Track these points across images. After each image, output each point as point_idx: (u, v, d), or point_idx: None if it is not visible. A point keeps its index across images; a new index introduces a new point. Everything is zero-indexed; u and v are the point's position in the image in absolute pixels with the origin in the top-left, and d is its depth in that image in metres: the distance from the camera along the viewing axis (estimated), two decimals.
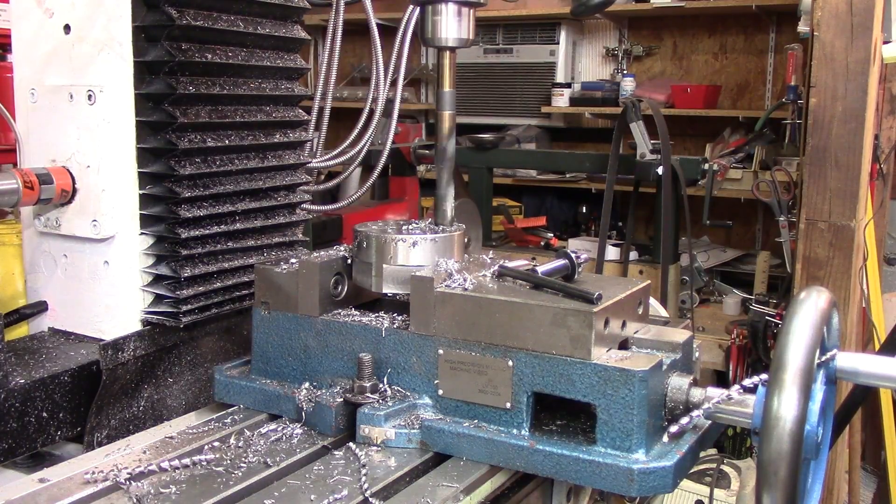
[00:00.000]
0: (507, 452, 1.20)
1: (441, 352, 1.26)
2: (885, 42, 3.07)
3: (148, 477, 1.17)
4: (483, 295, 1.25)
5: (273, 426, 1.31)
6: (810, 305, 1.06)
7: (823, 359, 1.15)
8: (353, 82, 6.85)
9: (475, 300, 1.24)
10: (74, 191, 1.51)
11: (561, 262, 1.34)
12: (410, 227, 1.42)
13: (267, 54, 1.65)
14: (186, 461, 1.19)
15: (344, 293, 1.41)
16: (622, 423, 1.15)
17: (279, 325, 1.40)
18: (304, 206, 1.78)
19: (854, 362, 1.18)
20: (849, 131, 3.03)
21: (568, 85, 6.25)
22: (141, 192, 1.50)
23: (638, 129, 4.07)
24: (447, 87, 1.43)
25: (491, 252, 1.45)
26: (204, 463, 1.20)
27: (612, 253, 4.34)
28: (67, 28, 1.51)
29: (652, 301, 1.46)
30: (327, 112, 2.00)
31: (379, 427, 1.25)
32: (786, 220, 4.04)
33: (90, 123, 1.47)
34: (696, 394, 1.22)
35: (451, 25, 1.39)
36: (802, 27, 3.74)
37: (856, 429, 3.61)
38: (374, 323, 1.33)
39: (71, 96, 1.48)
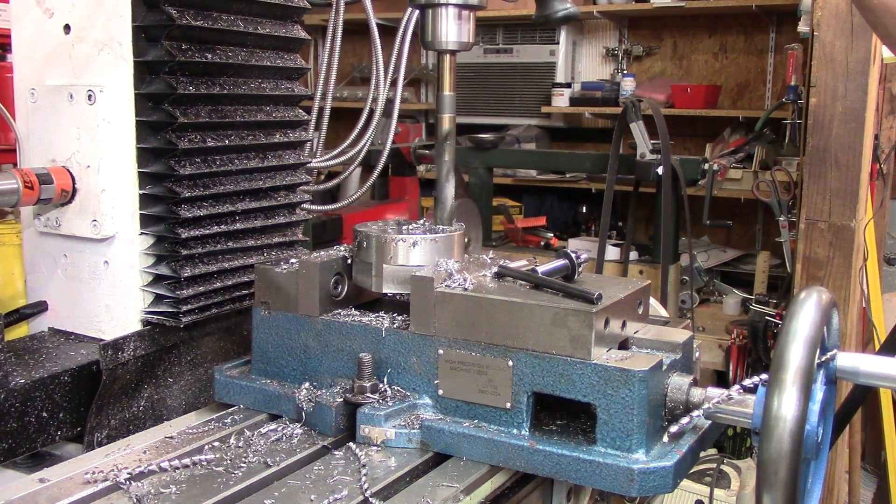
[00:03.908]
0: (507, 452, 1.20)
1: (441, 352, 1.27)
2: None
3: (148, 477, 1.17)
4: (483, 295, 1.25)
5: (273, 426, 1.31)
6: (810, 305, 1.06)
7: (823, 359, 1.15)
8: (353, 82, 6.85)
9: (475, 300, 1.24)
10: (74, 191, 1.51)
11: (561, 262, 1.34)
12: (410, 227, 1.42)
13: (267, 54, 1.65)
14: (186, 461, 1.19)
15: (344, 293, 1.41)
16: (622, 423, 1.15)
17: (279, 325, 1.39)
18: (304, 206, 1.78)
19: (854, 362, 1.18)
20: (849, 131, 3.03)
21: (568, 85, 6.24)
22: (141, 192, 1.50)
23: (638, 129, 4.07)
24: (447, 90, 1.43)
25: (491, 252, 1.45)
26: (204, 463, 1.20)
27: (612, 253, 4.34)
28: (67, 28, 1.51)
29: (652, 301, 1.46)
30: (327, 112, 2.00)
31: (379, 427, 1.25)
32: (786, 220, 4.04)
33: (90, 123, 1.47)
34: (696, 394, 1.22)
35: (451, 28, 1.39)
36: (802, 27, 3.74)
37: (856, 429, 3.61)
38: (374, 323, 1.33)
39: (71, 96, 1.48)
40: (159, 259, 1.52)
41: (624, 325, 1.28)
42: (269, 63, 1.64)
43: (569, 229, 6.08)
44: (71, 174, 1.51)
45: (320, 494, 1.11)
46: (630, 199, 4.47)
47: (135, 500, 1.10)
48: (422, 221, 1.45)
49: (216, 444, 1.27)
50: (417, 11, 1.68)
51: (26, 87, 1.55)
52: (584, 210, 6.14)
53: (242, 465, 1.19)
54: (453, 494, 1.13)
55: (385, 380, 1.30)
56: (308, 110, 1.89)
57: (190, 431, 1.33)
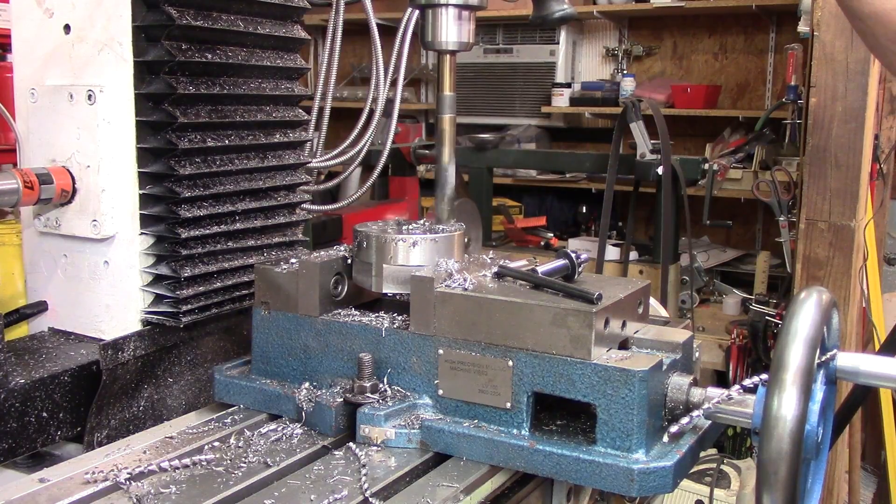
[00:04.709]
0: (507, 452, 1.20)
1: (441, 352, 1.27)
2: None
3: (148, 477, 1.17)
4: (483, 295, 1.25)
5: (273, 426, 1.31)
6: (810, 305, 1.06)
7: (823, 359, 1.15)
8: (353, 82, 6.85)
9: (475, 300, 1.24)
10: (74, 191, 1.51)
11: (561, 262, 1.34)
12: (410, 227, 1.42)
13: (267, 54, 1.65)
14: (186, 461, 1.19)
15: (344, 293, 1.41)
16: (622, 423, 1.15)
17: (279, 325, 1.39)
18: (304, 206, 1.78)
19: (854, 362, 1.18)
20: (849, 131, 3.03)
21: (568, 85, 6.25)
22: (141, 192, 1.50)
23: (638, 129, 4.07)
24: (447, 90, 1.43)
25: (491, 252, 1.45)
26: (204, 463, 1.20)
27: (612, 253, 4.34)
28: (67, 28, 1.51)
29: (652, 301, 1.46)
30: (327, 112, 2.00)
31: (379, 427, 1.25)
32: (786, 220, 4.04)
33: (90, 123, 1.47)
34: (696, 394, 1.22)
35: (451, 29, 1.39)
36: (802, 27, 3.74)
37: (856, 429, 3.61)
38: (374, 323, 1.33)
39: (71, 96, 1.48)
40: (159, 259, 1.52)
41: (624, 325, 1.28)
42: (269, 63, 1.64)
43: (569, 229, 6.08)
44: (71, 174, 1.51)
45: (320, 494, 1.11)
46: (630, 199, 4.47)
47: (135, 500, 1.10)
48: (422, 221, 1.45)
49: (216, 444, 1.27)
50: (417, 11, 1.68)
51: (26, 87, 1.55)
52: (584, 210, 6.14)
53: (242, 465, 1.19)
54: (453, 494, 1.13)
55: (385, 380, 1.30)
56: (308, 110, 1.89)
57: (190, 431, 1.33)
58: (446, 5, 1.37)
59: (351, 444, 1.25)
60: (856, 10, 1.79)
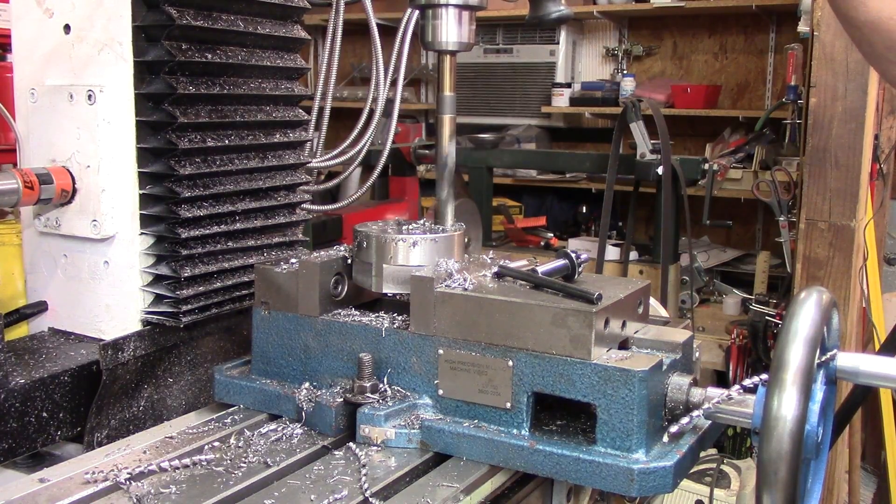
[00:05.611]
0: (507, 452, 1.20)
1: (441, 352, 1.27)
2: None
3: (148, 477, 1.17)
4: (483, 295, 1.25)
5: (273, 426, 1.31)
6: (810, 305, 1.06)
7: (823, 359, 1.15)
8: (353, 82, 6.85)
9: (475, 300, 1.24)
10: (74, 191, 1.51)
11: (561, 262, 1.34)
12: (410, 227, 1.42)
13: (267, 54, 1.65)
14: (186, 461, 1.19)
15: (344, 293, 1.41)
16: (622, 423, 1.15)
17: (279, 325, 1.40)
18: (304, 206, 1.78)
19: (854, 362, 1.18)
20: (849, 131, 3.03)
21: (568, 85, 6.25)
22: (141, 192, 1.50)
23: (638, 129, 4.07)
24: (447, 90, 1.43)
25: (491, 252, 1.45)
26: (204, 463, 1.20)
27: (612, 253, 4.34)
28: (67, 28, 1.51)
29: (652, 301, 1.46)
30: (327, 112, 2.00)
31: (379, 427, 1.25)
32: (786, 220, 4.04)
33: (90, 123, 1.47)
34: (696, 394, 1.22)
35: (451, 29, 1.39)
36: (802, 27, 3.74)
37: (856, 429, 3.61)
38: (374, 323, 1.33)
39: (71, 96, 1.48)
40: (159, 259, 1.52)
41: (624, 325, 1.28)
42: (269, 63, 1.64)
43: (569, 229, 6.08)
44: (71, 174, 1.51)
45: (320, 494, 1.11)
46: (630, 199, 4.47)
47: (135, 500, 1.10)
48: (422, 221, 1.45)
49: (216, 444, 1.27)
50: (417, 12, 1.68)
51: (26, 87, 1.55)
52: (584, 210, 6.14)
53: (242, 465, 1.19)
54: (453, 494, 1.13)
55: (385, 380, 1.30)
56: (308, 110, 1.89)
57: (190, 431, 1.33)
58: (446, 5, 1.37)
59: (351, 444, 1.25)
60: (852, 18, 1.76)
